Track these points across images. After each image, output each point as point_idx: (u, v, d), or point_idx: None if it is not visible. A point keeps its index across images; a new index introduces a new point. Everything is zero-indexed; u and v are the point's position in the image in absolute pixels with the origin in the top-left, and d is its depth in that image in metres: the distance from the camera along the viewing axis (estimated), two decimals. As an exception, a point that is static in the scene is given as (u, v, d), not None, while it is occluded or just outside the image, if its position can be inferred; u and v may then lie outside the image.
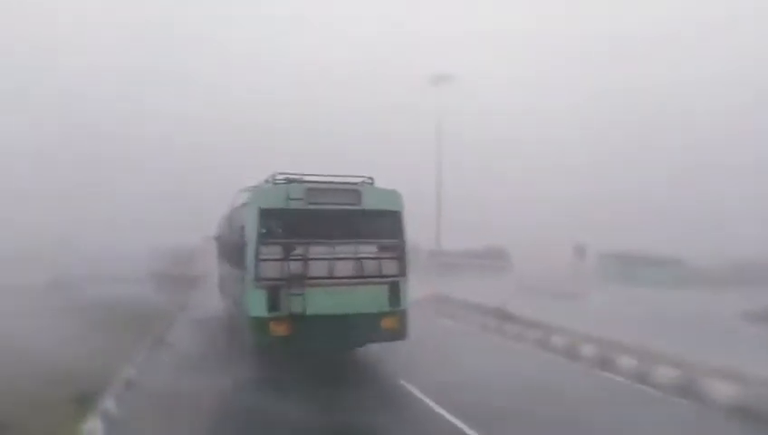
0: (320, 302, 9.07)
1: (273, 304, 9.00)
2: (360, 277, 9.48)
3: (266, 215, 9.27)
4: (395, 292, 9.64)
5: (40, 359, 9.60)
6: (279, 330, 9.00)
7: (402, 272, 9.74)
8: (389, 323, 9.54)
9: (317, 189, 9.57)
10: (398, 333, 9.69)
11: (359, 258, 9.50)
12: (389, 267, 9.70)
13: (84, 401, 7.38)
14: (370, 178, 10.05)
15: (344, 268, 9.42)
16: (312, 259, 9.27)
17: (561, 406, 8.15)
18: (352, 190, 9.74)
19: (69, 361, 9.48)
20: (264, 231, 9.21)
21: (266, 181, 9.96)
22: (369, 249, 9.63)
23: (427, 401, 8.20)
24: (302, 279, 9.10)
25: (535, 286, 24.48)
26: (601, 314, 16.33)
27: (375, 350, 10.77)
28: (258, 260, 9.11)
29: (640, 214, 43.05)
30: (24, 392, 7.79)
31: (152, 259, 26.55)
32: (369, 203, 9.68)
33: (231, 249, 12.19)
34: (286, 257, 9.18)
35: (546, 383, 9.41)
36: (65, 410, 7.11)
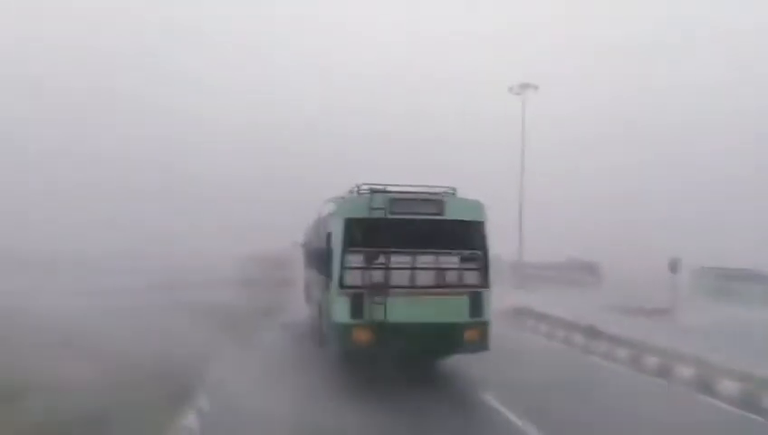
0: (400, 310, 9.14)
1: (356, 312, 9.19)
2: (442, 287, 9.48)
3: (351, 224, 9.51)
4: (477, 303, 9.54)
5: (143, 356, 10.36)
6: (361, 337, 9.17)
7: (485, 283, 9.63)
8: (471, 334, 9.45)
9: (399, 199, 9.69)
10: (480, 345, 9.57)
11: (440, 268, 9.51)
12: (471, 278, 9.64)
13: (181, 397, 7.90)
14: (453, 188, 10.05)
15: (425, 278, 9.47)
16: (393, 268, 9.40)
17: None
18: (435, 200, 9.77)
19: (167, 358, 10.16)
20: (348, 240, 9.44)
21: (351, 192, 10.22)
22: (450, 259, 9.62)
23: (511, 415, 8.01)
24: (383, 287, 9.24)
25: (625, 301, 23.26)
26: (698, 332, 15.21)
27: (456, 361, 10.69)
28: (343, 268, 9.36)
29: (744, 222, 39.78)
30: (129, 387, 8.42)
31: (243, 264, 27.90)
32: (451, 213, 9.67)
33: (317, 257, 12.59)
34: (369, 266, 9.36)
35: (636, 404, 8.92)
36: (165, 404, 7.63)
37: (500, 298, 12.30)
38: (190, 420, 7.12)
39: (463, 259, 9.65)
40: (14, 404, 7.32)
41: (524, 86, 33.73)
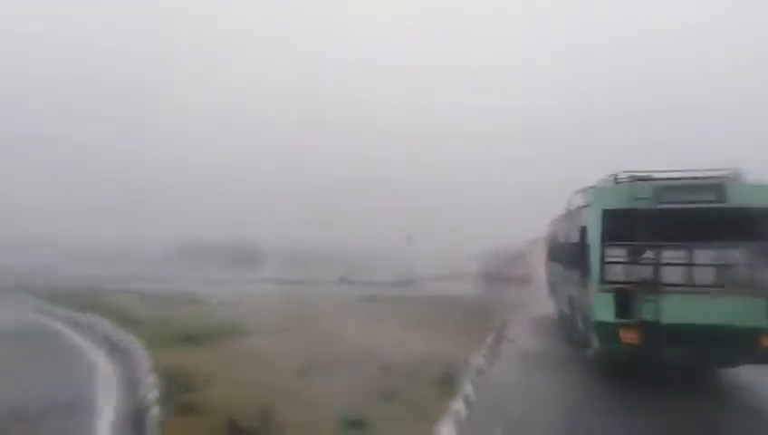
0: (677, 310, 8.21)
1: (622, 310, 8.53)
2: (729, 286, 8.22)
3: (610, 216, 8.88)
4: None
5: (404, 343, 11.28)
6: (629, 337, 8.49)
7: None
8: None
9: (668, 187, 8.71)
10: None
11: (726, 264, 8.26)
12: None
13: (447, 384, 8.35)
14: (737, 169, 8.64)
15: (707, 274, 8.34)
16: (665, 263, 8.51)
17: None
18: (714, 186, 8.53)
19: (427, 346, 10.87)
20: (608, 233, 8.83)
21: (607, 181, 9.56)
22: (739, 254, 8.28)
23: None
24: (654, 284, 8.42)
25: None
26: None
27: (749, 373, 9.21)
28: (603, 263, 8.80)
29: None
30: (398, 370, 9.22)
31: (483, 259, 28.52)
32: (736, 200, 8.31)
33: (567, 251, 12.11)
34: (634, 261, 8.63)
35: None
36: (433, 389, 8.16)
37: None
38: (459, 405, 7.48)
39: (756, 254, 8.22)
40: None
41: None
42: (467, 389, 8.23)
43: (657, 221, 8.54)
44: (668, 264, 8.45)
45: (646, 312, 8.31)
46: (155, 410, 6.84)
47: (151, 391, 7.70)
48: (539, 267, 21.80)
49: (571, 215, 11.62)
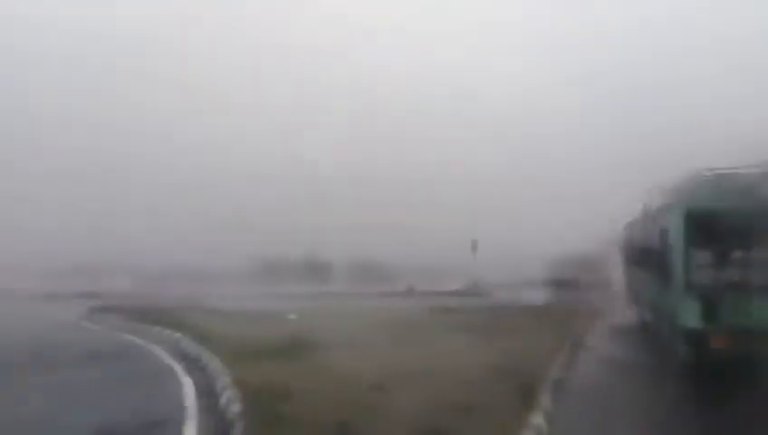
0: None
1: (710, 315, 8.05)
2: None
3: (694, 217, 8.42)
4: None
5: (477, 354, 11.06)
6: (718, 344, 7.99)
7: None
8: None
9: (755, 184, 8.16)
10: None
11: None
12: None
13: (525, 395, 8.09)
14: None
15: None
16: (755, 265, 7.96)
17: None
18: None
19: (501, 357, 10.61)
20: (692, 235, 8.39)
21: (689, 179, 9.07)
22: None
23: None
24: (744, 288, 7.88)
25: None
26: None
27: None
28: (687, 267, 8.35)
29: None
30: (473, 381, 9.04)
31: (554, 266, 27.70)
32: None
33: (648, 255, 11.56)
34: (721, 263, 8.13)
35: None
36: (511, 401, 7.93)
37: None
38: (538, 419, 7.23)
39: None
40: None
41: None
42: (546, 400, 7.96)
43: (744, 220, 8.01)
44: (759, 265, 7.89)
45: (735, 317, 7.80)
46: (237, 425, 7.05)
47: (232, 405, 7.95)
48: (616, 272, 20.92)
49: (650, 216, 11.11)
